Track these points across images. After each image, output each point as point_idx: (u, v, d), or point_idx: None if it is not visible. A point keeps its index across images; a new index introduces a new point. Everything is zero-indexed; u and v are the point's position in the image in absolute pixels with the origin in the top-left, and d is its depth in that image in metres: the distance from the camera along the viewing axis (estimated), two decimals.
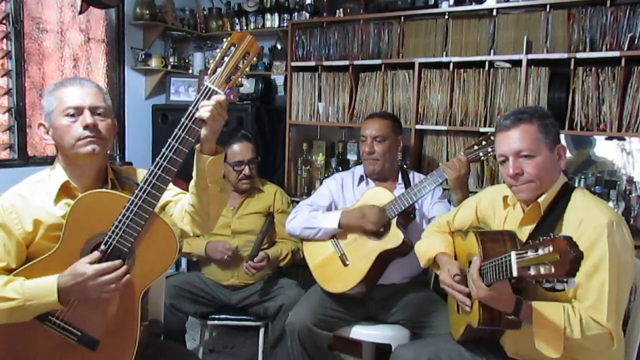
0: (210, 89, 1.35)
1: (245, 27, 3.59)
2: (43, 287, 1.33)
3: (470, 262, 1.49)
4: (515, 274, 1.20)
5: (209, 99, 1.34)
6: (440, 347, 1.70)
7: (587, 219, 1.41)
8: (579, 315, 1.35)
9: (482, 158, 2.06)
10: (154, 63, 3.49)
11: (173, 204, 1.59)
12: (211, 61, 1.40)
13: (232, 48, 1.37)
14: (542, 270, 1.13)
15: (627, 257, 1.40)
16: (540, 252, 1.14)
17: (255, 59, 3.56)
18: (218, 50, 1.38)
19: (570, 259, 1.07)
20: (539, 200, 1.50)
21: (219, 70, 1.37)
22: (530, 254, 1.17)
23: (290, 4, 3.47)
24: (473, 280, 1.40)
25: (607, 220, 1.37)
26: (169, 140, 1.36)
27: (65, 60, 3.14)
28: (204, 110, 1.33)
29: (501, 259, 1.28)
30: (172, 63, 3.63)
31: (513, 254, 1.22)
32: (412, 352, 1.71)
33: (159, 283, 1.94)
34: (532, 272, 1.15)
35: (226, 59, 1.37)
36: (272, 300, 2.39)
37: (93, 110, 1.44)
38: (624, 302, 1.41)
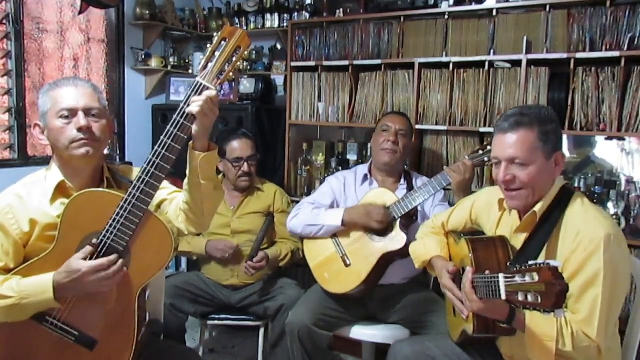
0: (201, 84, 1.34)
1: (245, 27, 3.59)
2: (39, 285, 1.33)
3: (463, 269, 1.48)
4: (504, 297, 1.17)
5: (200, 94, 1.33)
6: (437, 344, 1.70)
7: (584, 230, 1.38)
8: (571, 328, 1.33)
9: (486, 163, 2.06)
10: (154, 63, 3.49)
11: (168, 202, 1.58)
12: (201, 57, 1.39)
13: (222, 43, 1.36)
14: (530, 298, 1.10)
15: (623, 271, 1.38)
16: (527, 279, 1.11)
17: (255, 58, 3.61)
18: (209, 45, 1.37)
19: (556, 292, 1.05)
20: (536, 209, 1.47)
21: (210, 65, 1.36)
22: (518, 279, 1.14)
23: (290, 4, 3.47)
24: (466, 294, 1.37)
25: (604, 233, 1.34)
26: (162, 137, 1.35)
27: (65, 60, 3.14)
28: (195, 105, 1.32)
29: (491, 278, 1.25)
30: (172, 63, 3.64)
31: (501, 276, 1.18)
32: (409, 348, 1.71)
33: (159, 283, 1.94)
34: (520, 298, 1.12)
35: (217, 53, 1.35)
36: (272, 300, 2.39)
37: (87, 112, 1.43)
38: (616, 316, 1.40)
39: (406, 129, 2.30)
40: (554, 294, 1.05)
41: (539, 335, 1.33)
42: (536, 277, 1.09)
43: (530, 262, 1.13)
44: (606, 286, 1.32)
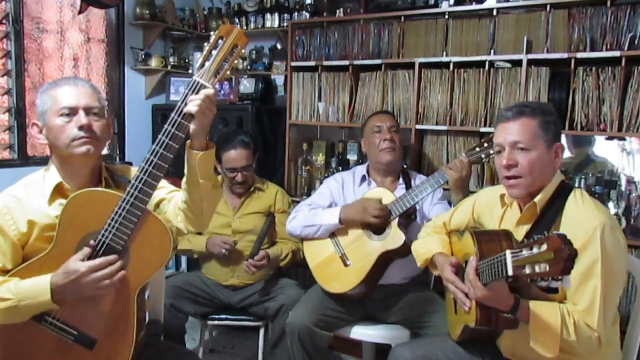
0: (198, 83, 1.34)
1: (245, 27, 3.59)
2: (36, 287, 1.33)
3: (466, 262, 1.49)
4: (510, 272, 1.19)
5: (197, 93, 1.33)
6: (437, 346, 1.70)
7: (580, 221, 1.41)
8: (573, 318, 1.35)
9: (483, 160, 2.06)
10: (154, 63, 3.49)
11: (167, 201, 1.58)
12: (198, 55, 1.39)
13: (220, 41, 1.36)
14: (537, 269, 1.12)
15: (619, 261, 1.39)
16: (535, 250, 1.13)
17: (255, 58, 3.61)
18: (206, 44, 1.37)
19: (565, 257, 1.07)
20: (535, 200, 1.50)
21: (207, 64, 1.36)
22: (525, 252, 1.16)
23: (290, 4, 3.47)
24: (470, 281, 1.39)
25: (598, 222, 1.37)
26: (159, 136, 1.35)
27: (65, 60, 3.14)
28: (192, 104, 1.32)
29: (496, 258, 1.28)
30: (172, 63, 3.64)
31: (508, 252, 1.21)
32: (409, 351, 1.70)
33: (159, 283, 1.94)
34: (528, 270, 1.15)
35: (214, 52, 1.35)
36: (272, 300, 2.39)
37: (88, 111, 1.43)
38: (614, 306, 1.42)
39: (396, 125, 2.32)
40: (563, 259, 1.07)
41: (544, 324, 1.35)
42: (545, 247, 1.11)
43: (536, 236, 1.15)
44: (604, 276, 1.35)
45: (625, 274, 1.46)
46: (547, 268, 1.09)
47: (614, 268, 1.37)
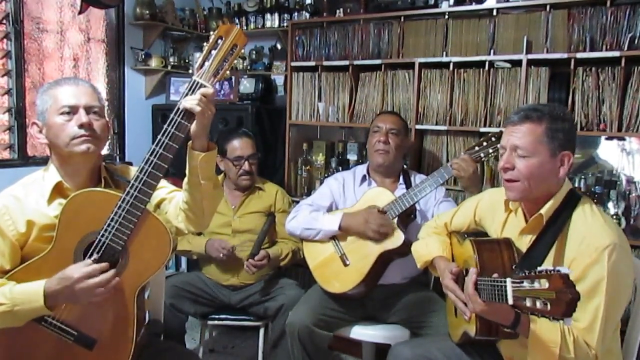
0: (197, 83, 1.35)
1: (245, 27, 3.60)
2: (30, 292, 1.32)
3: (467, 270, 1.48)
4: (510, 302, 1.16)
5: (195, 93, 1.34)
6: (437, 345, 1.69)
7: (589, 237, 1.36)
8: (573, 335, 1.33)
9: (483, 159, 2.05)
10: (154, 63, 3.49)
11: (167, 201, 1.58)
12: (198, 55, 1.39)
13: (219, 41, 1.36)
14: (538, 305, 1.08)
15: (626, 281, 1.37)
16: (537, 285, 1.09)
17: (255, 58, 3.61)
18: (205, 44, 1.37)
19: (567, 300, 1.03)
20: (542, 211, 1.46)
21: (206, 64, 1.36)
22: (527, 284, 1.12)
23: (290, 4, 3.47)
24: (469, 296, 1.37)
25: (609, 241, 1.33)
26: (158, 137, 1.35)
27: (65, 60, 3.14)
28: (190, 104, 1.32)
29: (497, 281, 1.24)
30: (172, 63, 3.64)
31: (509, 281, 1.17)
32: (409, 350, 1.70)
33: (159, 283, 1.94)
34: (528, 304, 1.11)
35: (213, 52, 1.36)
36: (272, 300, 2.39)
37: (88, 110, 1.44)
38: (615, 324, 1.40)
39: (398, 128, 2.29)
40: (565, 302, 1.03)
41: (543, 340, 1.33)
42: (546, 284, 1.07)
43: (539, 268, 1.12)
44: (608, 296, 1.32)
45: (630, 294, 1.43)
46: (549, 307, 1.06)
47: (619, 288, 1.34)
